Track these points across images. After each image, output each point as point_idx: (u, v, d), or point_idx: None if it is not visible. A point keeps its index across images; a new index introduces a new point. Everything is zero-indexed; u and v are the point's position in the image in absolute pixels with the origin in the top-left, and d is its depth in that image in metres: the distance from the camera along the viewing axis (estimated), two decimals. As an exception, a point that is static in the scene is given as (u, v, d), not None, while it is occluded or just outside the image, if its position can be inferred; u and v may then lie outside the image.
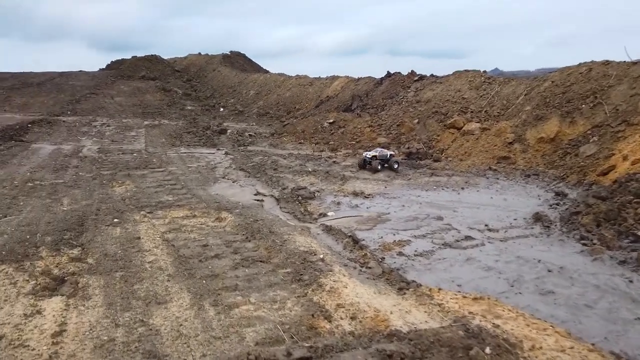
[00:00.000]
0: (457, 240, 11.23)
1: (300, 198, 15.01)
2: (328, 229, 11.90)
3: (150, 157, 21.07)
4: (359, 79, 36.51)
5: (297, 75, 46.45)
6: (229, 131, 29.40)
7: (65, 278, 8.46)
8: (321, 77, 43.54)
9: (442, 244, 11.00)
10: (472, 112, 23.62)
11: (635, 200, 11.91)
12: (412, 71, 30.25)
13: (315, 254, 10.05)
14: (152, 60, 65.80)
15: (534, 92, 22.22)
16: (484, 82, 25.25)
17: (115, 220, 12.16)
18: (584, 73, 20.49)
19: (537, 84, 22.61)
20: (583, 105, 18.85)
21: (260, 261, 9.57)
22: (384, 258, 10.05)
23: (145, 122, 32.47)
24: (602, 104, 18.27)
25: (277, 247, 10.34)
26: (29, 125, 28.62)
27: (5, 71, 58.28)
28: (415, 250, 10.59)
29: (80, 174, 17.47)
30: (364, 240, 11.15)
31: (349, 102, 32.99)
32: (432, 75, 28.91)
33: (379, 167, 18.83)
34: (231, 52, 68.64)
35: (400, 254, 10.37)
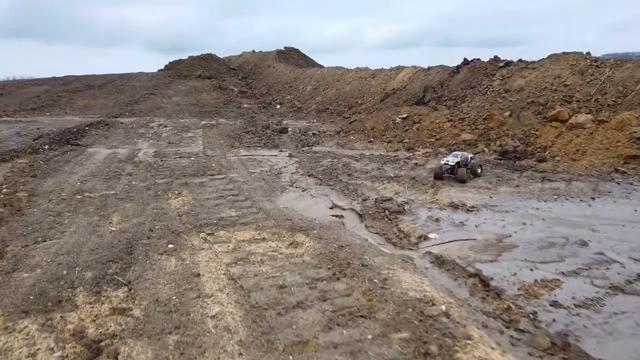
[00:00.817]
0: (629, 281, 8.04)
1: (387, 212, 12.24)
2: (439, 261, 9.05)
3: (209, 161, 19.01)
4: (429, 68, 33.11)
5: (357, 68, 43.55)
6: (289, 130, 27.08)
7: (102, 344, 6.17)
8: (384, 68, 40.52)
9: (609, 287, 7.86)
10: (578, 101, 19.84)
11: None
12: (496, 57, 26.56)
13: (433, 304, 7.26)
14: (208, 59, 65.14)
15: (661, 75, 18.17)
16: (590, 65, 21.29)
17: (170, 246, 9.92)
18: None
19: (664, 65, 18.50)
20: None
21: (361, 316, 6.91)
22: (537, 313, 7.08)
23: (203, 122, 30.81)
24: None
25: (377, 291, 7.64)
26: (86, 128, 27.59)
27: (70, 74, 59.47)
28: (574, 297, 7.54)
29: (133, 183, 15.58)
30: (492, 278, 8.22)
31: (419, 94, 29.74)
32: (520, 61, 25.11)
33: (465, 176, 15.23)
34: (285, 47, 66.89)
35: (555, 304, 7.36)
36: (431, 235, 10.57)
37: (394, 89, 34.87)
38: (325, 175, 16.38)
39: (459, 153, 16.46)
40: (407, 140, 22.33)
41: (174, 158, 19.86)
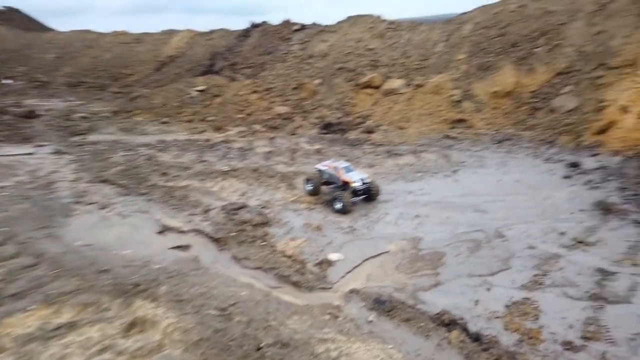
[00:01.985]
0: (600, 282, 6.70)
1: (250, 228, 8.74)
2: (380, 307, 6.18)
3: None
4: (211, 31, 29.10)
5: (115, 32, 36.21)
6: (42, 113, 19.87)
7: None
8: (150, 32, 34.47)
9: (588, 298, 6.36)
10: (385, 65, 19.30)
11: None
12: (288, 20, 24.44)
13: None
14: None
15: (455, 37, 18.86)
16: (388, 28, 21.06)
17: None
18: (518, 11, 17.67)
19: (456, 28, 19.33)
20: (536, 49, 15.96)
21: None
22: (571, 371, 4.95)
23: None
24: (559, 46, 15.56)
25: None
26: None
27: None
28: (571, 326, 5.76)
29: None
30: (462, 318, 5.84)
31: (206, 62, 25.75)
32: (315, 24, 23.60)
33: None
34: (5, 7, 52.76)
35: (569, 346, 5.38)
36: (332, 257, 7.63)
37: (170, 56, 29.77)
38: (129, 178, 11.52)
39: (341, 164, 10.71)
40: (213, 119, 18.47)
41: None
